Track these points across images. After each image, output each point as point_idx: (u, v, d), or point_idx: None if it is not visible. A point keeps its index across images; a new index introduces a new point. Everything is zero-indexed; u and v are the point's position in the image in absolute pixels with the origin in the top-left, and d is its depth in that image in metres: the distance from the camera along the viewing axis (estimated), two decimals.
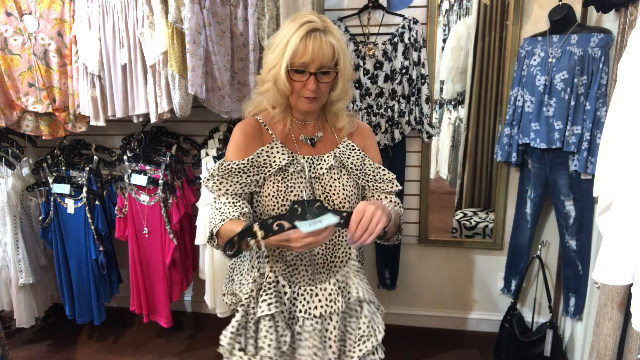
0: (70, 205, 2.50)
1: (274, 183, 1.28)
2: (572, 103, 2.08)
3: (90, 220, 2.49)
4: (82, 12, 2.17)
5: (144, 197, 2.42)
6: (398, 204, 1.41)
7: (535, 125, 2.17)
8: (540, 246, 2.41)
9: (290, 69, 1.21)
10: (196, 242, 2.46)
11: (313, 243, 1.06)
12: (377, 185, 1.40)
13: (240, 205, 1.23)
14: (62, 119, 2.32)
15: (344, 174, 1.34)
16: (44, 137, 2.37)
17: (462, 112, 2.62)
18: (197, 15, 2.00)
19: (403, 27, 2.31)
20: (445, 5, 2.45)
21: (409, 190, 2.57)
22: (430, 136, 2.45)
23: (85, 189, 2.47)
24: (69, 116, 2.32)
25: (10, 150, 2.54)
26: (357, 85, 2.37)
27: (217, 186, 1.26)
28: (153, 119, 2.19)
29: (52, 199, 2.50)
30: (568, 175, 2.16)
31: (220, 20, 2.08)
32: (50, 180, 2.50)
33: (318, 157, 1.34)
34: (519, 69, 2.23)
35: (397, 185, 1.41)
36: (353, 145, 1.38)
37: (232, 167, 1.26)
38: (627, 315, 1.49)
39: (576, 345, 2.31)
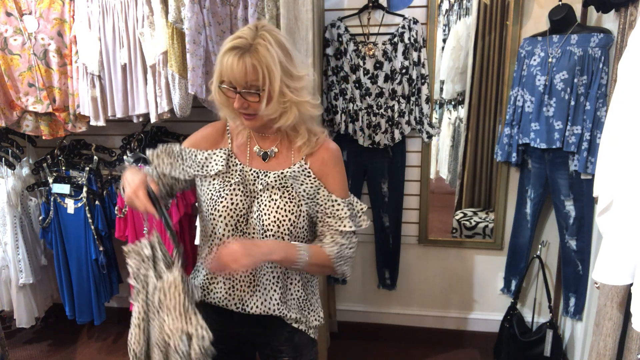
0: (70, 205, 2.50)
1: (209, 190, 1.29)
2: (572, 103, 2.08)
3: (90, 220, 2.49)
4: (82, 12, 2.17)
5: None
6: (346, 246, 1.29)
7: (535, 125, 2.17)
8: (540, 246, 2.41)
9: (221, 84, 1.20)
10: (196, 242, 2.46)
11: None
12: (325, 220, 1.29)
13: (156, 180, 1.32)
14: (62, 119, 2.32)
15: (285, 197, 1.25)
16: (44, 137, 2.38)
17: (462, 112, 2.62)
18: (197, 15, 2.00)
19: (403, 27, 2.31)
20: (445, 5, 2.45)
21: (409, 190, 2.57)
22: (430, 136, 2.45)
23: (85, 189, 2.47)
24: (69, 116, 2.32)
25: (10, 150, 2.54)
26: (357, 85, 2.37)
27: (152, 157, 1.35)
28: (153, 119, 2.19)
29: (52, 199, 2.50)
30: (568, 175, 2.16)
31: (220, 20, 2.08)
32: (50, 180, 2.50)
33: (264, 172, 1.28)
34: (519, 69, 2.23)
35: (346, 226, 1.27)
36: (309, 172, 1.27)
37: (174, 150, 1.34)
38: (627, 315, 1.49)
39: (576, 345, 2.31)
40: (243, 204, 1.27)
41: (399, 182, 2.51)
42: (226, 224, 1.27)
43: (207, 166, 1.31)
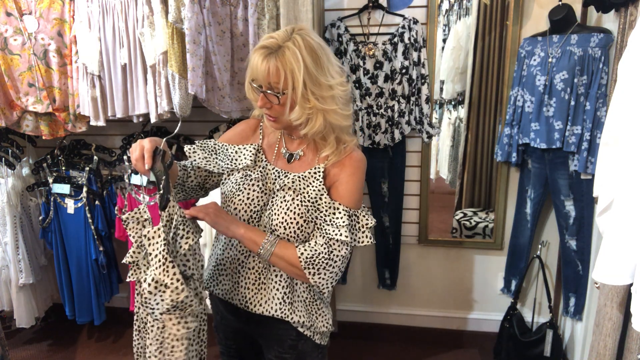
0: (70, 205, 2.50)
1: (232, 182, 1.31)
2: (572, 103, 2.08)
3: (90, 220, 2.49)
4: (82, 12, 2.17)
5: (144, 197, 2.42)
6: (322, 255, 1.20)
7: (535, 125, 2.17)
8: (540, 246, 2.41)
9: (250, 83, 1.22)
10: None
11: None
12: (323, 226, 1.23)
13: (189, 172, 1.35)
14: (62, 119, 2.32)
15: (297, 199, 1.23)
16: (44, 137, 2.38)
17: (462, 112, 2.62)
18: (197, 15, 2.00)
19: (403, 27, 2.31)
20: (445, 5, 2.45)
21: (409, 190, 2.57)
22: (430, 136, 2.45)
23: (85, 189, 2.47)
24: (69, 116, 2.32)
25: (10, 150, 2.54)
26: (357, 85, 2.37)
27: (189, 153, 1.38)
28: (153, 119, 2.19)
29: (52, 199, 2.50)
30: (568, 175, 2.16)
31: (220, 20, 2.08)
32: (50, 180, 2.50)
33: (284, 173, 1.28)
34: (519, 69, 2.23)
35: (342, 234, 1.20)
36: (320, 175, 1.25)
37: (208, 144, 1.38)
38: (627, 315, 1.49)
39: (576, 345, 2.31)
40: (259, 201, 1.27)
41: (399, 182, 2.51)
42: (239, 218, 1.27)
43: (236, 160, 1.33)
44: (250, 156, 1.31)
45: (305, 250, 1.21)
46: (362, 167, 1.29)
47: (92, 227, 2.49)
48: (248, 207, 1.26)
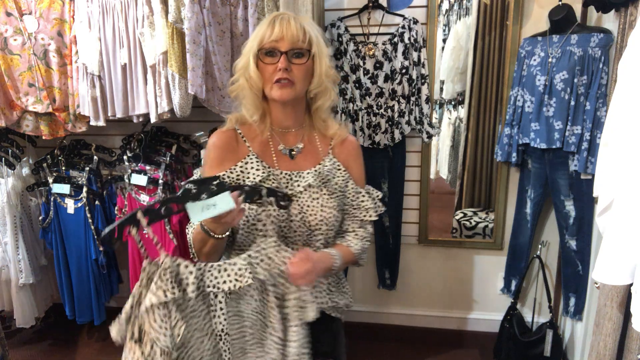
0: (70, 205, 2.50)
1: None
2: (572, 103, 2.08)
3: (90, 220, 2.49)
4: (82, 12, 2.17)
5: (144, 197, 2.42)
6: (367, 238, 1.36)
7: (535, 125, 2.17)
8: (540, 246, 2.41)
9: (260, 51, 1.18)
10: None
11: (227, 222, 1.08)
12: (352, 212, 1.33)
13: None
14: (62, 119, 2.32)
15: (325, 194, 1.24)
16: (44, 137, 2.38)
17: (462, 112, 2.62)
18: (197, 15, 2.00)
19: (403, 27, 2.31)
20: (445, 5, 2.45)
21: (409, 190, 2.57)
22: (430, 136, 2.45)
23: (85, 189, 2.47)
24: (69, 116, 2.32)
25: (10, 150, 2.54)
26: (357, 85, 2.37)
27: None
28: (153, 119, 2.19)
29: (52, 199, 2.50)
30: (568, 175, 2.16)
31: (220, 20, 2.08)
32: (50, 180, 2.50)
33: (297, 173, 1.25)
34: (519, 69, 2.23)
35: (372, 216, 1.34)
36: (339, 165, 1.30)
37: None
38: (627, 315, 1.49)
39: (576, 345, 2.31)
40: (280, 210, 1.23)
41: (399, 182, 2.51)
42: (269, 231, 1.20)
43: (247, 178, 1.23)
44: (257, 166, 1.22)
45: (355, 244, 1.33)
46: (360, 149, 1.40)
47: (92, 227, 2.49)
48: (276, 219, 1.21)
